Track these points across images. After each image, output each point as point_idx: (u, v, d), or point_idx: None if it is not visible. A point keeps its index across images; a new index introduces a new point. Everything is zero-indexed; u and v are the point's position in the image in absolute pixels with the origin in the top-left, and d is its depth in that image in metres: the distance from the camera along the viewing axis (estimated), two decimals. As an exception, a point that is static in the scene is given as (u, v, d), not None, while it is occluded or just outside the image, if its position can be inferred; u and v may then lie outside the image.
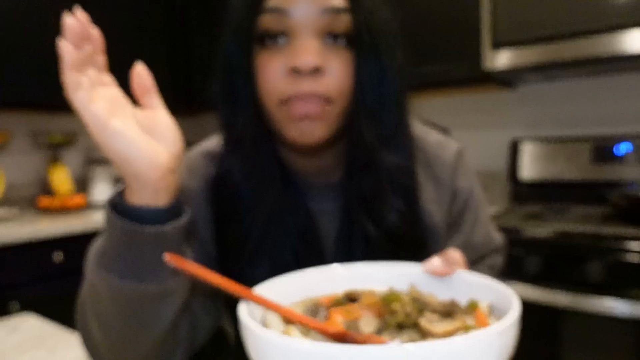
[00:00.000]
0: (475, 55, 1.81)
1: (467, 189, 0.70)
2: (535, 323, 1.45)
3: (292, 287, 0.46)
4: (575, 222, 1.52)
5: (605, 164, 1.81)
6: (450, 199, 0.69)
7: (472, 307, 0.42)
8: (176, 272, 0.48)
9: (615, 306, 1.33)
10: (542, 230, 1.49)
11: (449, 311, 0.41)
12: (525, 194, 2.01)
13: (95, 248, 0.50)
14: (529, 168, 1.99)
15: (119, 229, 0.46)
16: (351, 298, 0.44)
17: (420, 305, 0.42)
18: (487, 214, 0.73)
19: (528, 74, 1.86)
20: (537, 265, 1.44)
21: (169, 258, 0.41)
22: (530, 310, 1.42)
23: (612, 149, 1.80)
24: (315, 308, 0.43)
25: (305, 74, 0.54)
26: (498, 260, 0.72)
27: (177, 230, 0.48)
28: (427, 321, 0.39)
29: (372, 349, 0.30)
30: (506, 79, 1.99)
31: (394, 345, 0.33)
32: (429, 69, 1.90)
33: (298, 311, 0.42)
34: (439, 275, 0.46)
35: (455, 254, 0.47)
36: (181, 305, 0.53)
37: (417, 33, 1.90)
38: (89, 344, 0.56)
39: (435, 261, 0.47)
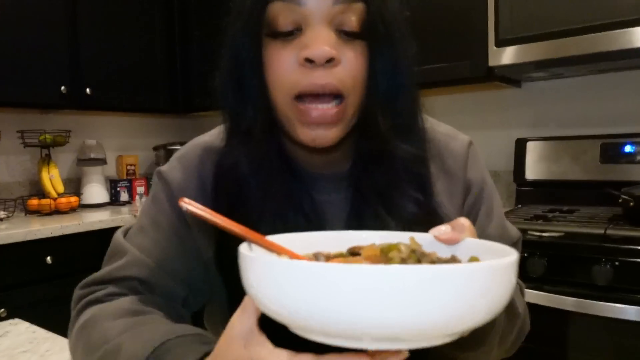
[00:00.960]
0: (480, 53, 1.81)
1: (480, 181, 0.69)
2: (541, 326, 1.44)
3: (300, 243, 0.47)
4: (582, 223, 1.51)
5: (613, 163, 1.81)
6: (462, 191, 0.68)
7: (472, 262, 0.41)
8: None
9: (623, 309, 1.31)
10: (548, 231, 1.48)
11: (447, 263, 0.40)
12: (530, 194, 2.01)
13: None
14: (535, 168, 1.99)
15: None
16: (354, 253, 0.44)
17: (419, 256, 0.41)
18: (501, 206, 0.72)
19: (533, 71, 1.86)
20: (543, 267, 1.43)
21: (182, 201, 0.41)
22: (536, 313, 1.41)
23: (620, 148, 1.80)
24: (316, 256, 0.44)
25: (318, 65, 0.53)
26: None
27: None
28: None
29: (346, 266, 0.31)
30: (511, 77, 1.99)
31: (368, 266, 0.32)
32: (433, 67, 1.90)
33: None
34: (447, 241, 0.45)
35: (464, 222, 0.46)
36: None
37: (422, 31, 1.87)
38: None
39: (443, 227, 0.46)
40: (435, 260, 0.41)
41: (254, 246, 0.42)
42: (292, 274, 0.32)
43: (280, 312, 0.34)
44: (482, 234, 0.66)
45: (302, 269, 0.32)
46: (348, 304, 0.31)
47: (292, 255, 0.42)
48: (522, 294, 0.70)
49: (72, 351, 0.59)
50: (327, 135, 0.56)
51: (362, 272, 0.30)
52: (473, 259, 0.42)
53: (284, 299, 0.33)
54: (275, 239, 0.45)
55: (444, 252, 0.45)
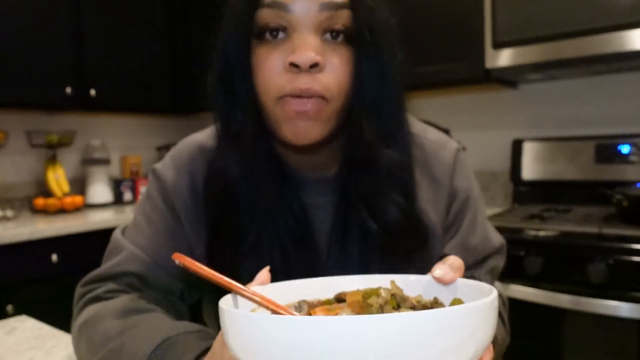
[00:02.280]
0: (476, 55, 1.81)
1: (465, 190, 0.69)
2: (537, 323, 1.45)
3: (292, 290, 0.46)
4: (577, 223, 1.52)
5: (607, 164, 1.82)
6: (447, 199, 0.68)
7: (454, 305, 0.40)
8: None
9: (617, 307, 1.33)
10: (544, 230, 1.49)
11: (426, 307, 0.40)
12: (527, 194, 2.02)
13: None
14: (531, 168, 1.99)
15: None
16: (339, 299, 0.44)
17: (399, 300, 0.41)
18: (485, 215, 0.72)
19: (530, 73, 1.87)
20: (539, 265, 1.44)
21: (175, 257, 0.40)
22: (532, 310, 1.43)
23: (615, 148, 1.81)
24: (300, 305, 0.43)
25: (303, 70, 0.54)
26: (498, 262, 0.71)
27: None
28: None
29: (319, 318, 0.30)
30: (508, 79, 2.00)
31: (334, 317, 0.31)
32: (430, 69, 1.90)
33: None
34: (447, 282, 0.43)
35: (458, 261, 0.45)
36: None
37: (419, 33, 1.90)
38: None
39: (443, 268, 0.44)
40: (415, 305, 0.40)
41: (238, 297, 0.41)
42: (265, 327, 0.32)
43: None
44: (464, 244, 0.67)
45: (277, 323, 0.31)
46: (326, 356, 0.30)
47: (274, 306, 0.40)
48: (503, 314, 0.68)
49: (75, 348, 0.60)
50: (308, 130, 0.56)
51: (339, 323, 0.30)
52: (455, 302, 0.41)
53: (260, 352, 0.33)
54: (260, 290, 0.44)
55: (426, 292, 0.44)
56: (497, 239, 0.71)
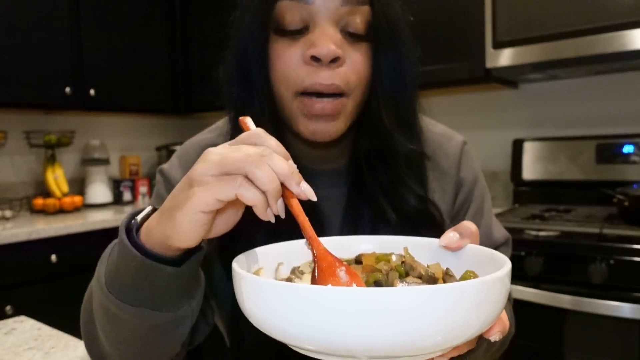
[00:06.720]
0: (477, 55, 1.81)
1: (471, 180, 0.70)
2: (538, 324, 1.45)
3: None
4: (578, 223, 1.52)
5: (608, 163, 1.82)
6: (454, 190, 0.69)
7: (465, 278, 0.40)
8: (189, 298, 0.48)
9: (618, 307, 1.32)
10: (544, 230, 1.48)
11: (433, 278, 0.40)
12: (527, 194, 2.02)
13: (106, 272, 0.48)
14: (532, 168, 1.99)
15: (136, 263, 0.44)
16: (358, 260, 0.46)
17: (407, 268, 0.41)
18: (491, 207, 0.73)
19: (530, 73, 1.86)
20: (540, 265, 1.44)
21: (241, 120, 0.45)
22: (532, 311, 1.43)
23: (616, 148, 1.80)
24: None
25: (323, 64, 0.54)
26: (504, 254, 0.71)
27: (194, 264, 0.46)
28: (401, 283, 0.39)
29: (332, 288, 0.31)
30: (508, 79, 1.99)
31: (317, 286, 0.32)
32: (431, 68, 1.89)
33: (307, 267, 0.46)
34: (455, 249, 0.44)
35: (470, 226, 0.45)
36: (192, 324, 0.52)
37: (421, 33, 1.87)
38: (95, 352, 0.55)
39: (451, 234, 0.45)
40: (422, 274, 0.40)
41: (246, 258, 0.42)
42: (281, 296, 0.32)
43: (274, 333, 0.34)
44: None
45: (290, 292, 0.32)
46: (338, 325, 0.30)
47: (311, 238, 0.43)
48: (509, 299, 0.69)
49: (82, 330, 0.58)
50: (328, 129, 0.57)
51: (346, 294, 0.30)
52: (466, 274, 0.40)
53: (275, 320, 0.33)
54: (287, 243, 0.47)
55: (451, 261, 0.45)
56: (501, 234, 0.72)
